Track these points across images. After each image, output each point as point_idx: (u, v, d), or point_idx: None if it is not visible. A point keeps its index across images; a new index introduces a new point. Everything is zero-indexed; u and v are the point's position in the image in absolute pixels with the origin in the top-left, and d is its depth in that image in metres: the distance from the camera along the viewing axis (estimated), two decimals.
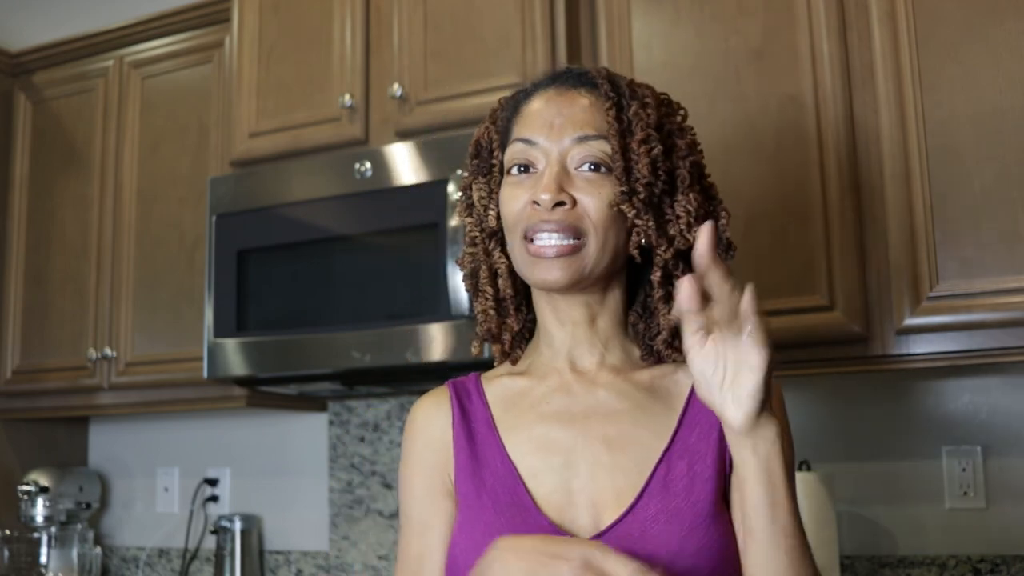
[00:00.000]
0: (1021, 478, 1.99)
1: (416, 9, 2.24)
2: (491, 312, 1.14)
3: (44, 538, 2.76)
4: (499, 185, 1.12)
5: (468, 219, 1.16)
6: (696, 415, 1.06)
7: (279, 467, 2.79)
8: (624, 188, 1.05)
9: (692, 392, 1.07)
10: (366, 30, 2.30)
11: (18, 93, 2.91)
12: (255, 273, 2.31)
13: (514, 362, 1.17)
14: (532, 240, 1.06)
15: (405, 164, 2.14)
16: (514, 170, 1.10)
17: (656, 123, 1.09)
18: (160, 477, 2.96)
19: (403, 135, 2.22)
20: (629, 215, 1.06)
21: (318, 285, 2.23)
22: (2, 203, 2.87)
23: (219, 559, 2.68)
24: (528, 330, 1.18)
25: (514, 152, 1.10)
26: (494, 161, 1.14)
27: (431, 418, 1.14)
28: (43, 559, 2.75)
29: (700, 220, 1.08)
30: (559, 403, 1.10)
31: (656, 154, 1.07)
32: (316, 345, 2.19)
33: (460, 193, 1.19)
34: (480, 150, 1.16)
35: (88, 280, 2.70)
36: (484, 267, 1.14)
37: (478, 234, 1.14)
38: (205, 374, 2.34)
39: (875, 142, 1.84)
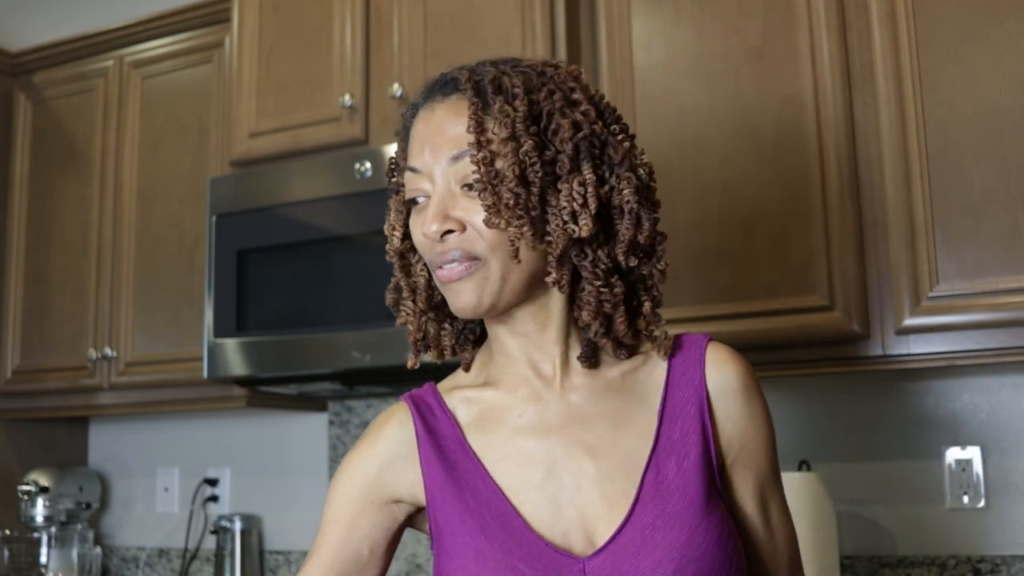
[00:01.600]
0: (1021, 478, 1.99)
1: (416, 9, 2.24)
2: (427, 317, 1.09)
3: (44, 538, 2.76)
4: (404, 205, 1.08)
5: (389, 231, 1.12)
6: (674, 408, 1.03)
7: (279, 467, 2.79)
8: (488, 203, 0.97)
9: (667, 384, 1.05)
10: (366, 30, 2.30)
11: (18, 93, 2.91)
12: (255, 273, 2.31)
13: (467, 368, 1.12)
14: (440, 269, 1.02)
15: None
16: (411, 200, 1.05)
17: (526, 113, 0.99)
18: (160, 477, 2.96)
19: None
20: (502, 228, 0.98)
21: (318, 285, 2.23)
22: (2, 203, 2.87)
23: (219, 559, 2.68)
24: (470, 331, 1.13)
25: (407, 182, 1.05)
26: (401, 182, 1.09)
27: (390, 431, 1.09)
28: (43, 559, 2.75)
29: (596, 199, 0.99)
30: (532, 414, 1.05)
31: (526, 151, 0.98)
32: (316, 345, 2.19)
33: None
34: (391, 168, 1.13)
35: (88, 280, 2.70)
36: (405, 282, 1.10)
37: (392, 252, 1.10)
38: (205, 374, 2.34)
39: (875, 142, 1.84)
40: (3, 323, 2.83)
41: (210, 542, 2.78)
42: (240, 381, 2.37)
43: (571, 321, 1.06)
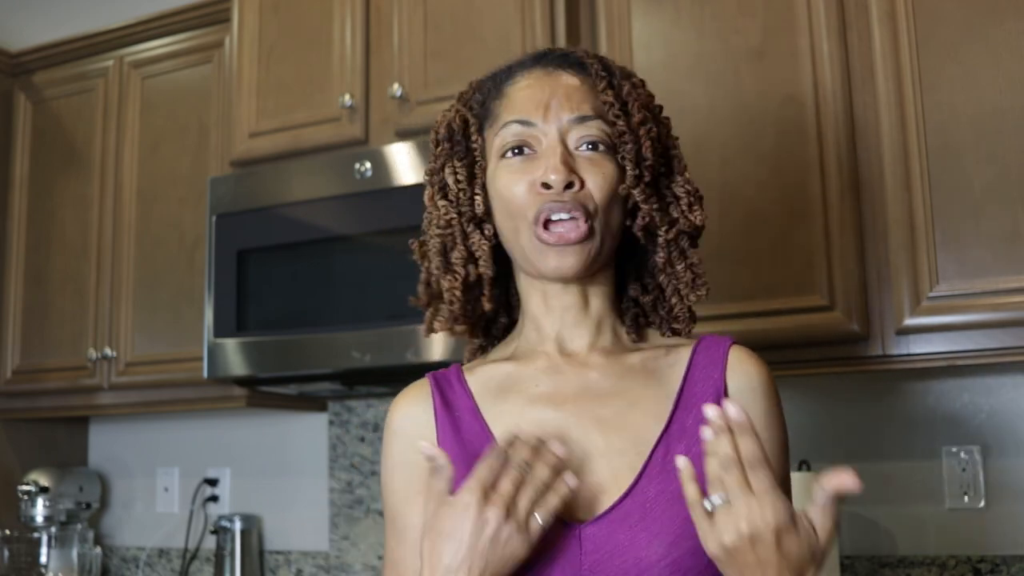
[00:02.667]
0: (1021, 478, 1.99)
1: (416, 9, 2.24)
2: (457, 294, 1.09)
3: (44, 538, 2.76)
4: (483, 170, 1.09)
5: (443, 202, 1.10)
6: (691, 398, 1.04)
7: (279, 467, 2.79)
8: (635, 172, 1.04)
9: (687, 375, 1.06)
10: (366, 30, 2.30)
11: (18, 93, 2.91)
12: (255, 273, 2.31)
13: (485, 350, 1.16)
14: (547, 226, 1.03)
15: (405, 164, 2.14)
16: (508, 153, 1.06)
17: (647, 103, 1.09)
18: (160, 477, 2.96)
19: (403, 135, 2.22)
20: (638, 199, 1.05)
21: (318, 285, 2.23)
22: (2, 203, 2.87)
23: (219, 559, 2.68)
24: (496, 313, 1.15)
25: (508, 134, 1.06)
26: (473, 144, 1.10)
27: (410, 415, 1.10)
28: (43, 559, 2.75)
29: (697, 201, 1.09)
30: (548, 384, 1.07)
31: (654, 135, 1.07)
32: (316, 345, 2.19)
33: (427, 175, 1.14)
34: (453, 133, 1.12)
35: (88, 280, 2.70)
36: (460, 249, 1.09)
37: (455, 216, 1.09)
38: (205, 374, 2.34)
39: (875, 142, 1.84)
40: (3, 323, 2.83)
41: (210, 542, 2.78)
42: (240, 381, 2.37)
43: (611, 307, 1.11)
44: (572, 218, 1.03)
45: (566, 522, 0.98)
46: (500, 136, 1.08)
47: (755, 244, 1.90)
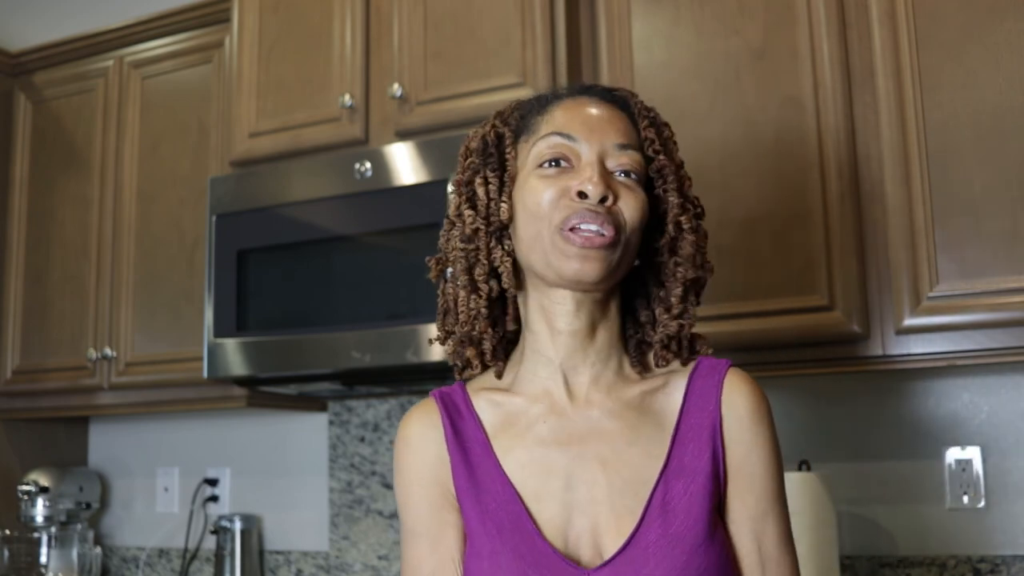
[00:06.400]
0: (1021, 478, 1.99)
1: (416, 9, 2.24)
2: (483, 311, 1.11)
3: (44, 538, 2.76)
4: (512, 179, 1.11)
5: (469, 212, 1.11)
6: (687, 432, 1.06)
7: (279, 467, 2.79)
8: (680, 200, 1.10)
9: (682, 409, 1.07)
10: (366, 30, 2.30)
11: (18, 93, 2.91)
12: (255, 273, 2.31)
13: (499, 375, 1.15)
14: (573, 230, 1.04)
15: (405, 164, 2.14)
16: (545, 164, 1.08)
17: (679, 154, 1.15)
18: (160, 477, 2.96)
19: (403, 135, 2.22)
20: (686, 227, 1.10)
21: (318, 285, 2.23)
22: (2, 203, 2.87)
23: (219, 559, 2.68)
24: (505, 344, 1.16)
25: (547, 145, 1.08)
26: (507, 156, 1.12)
27: (425, 436, 1.11)
28: (43, 559, 2.75)
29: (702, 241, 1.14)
30: (554, 424, 1.08)
31: (686, 186, 1.13)
32: (316, 345, 2.19)
33: (455, 187, 1.15)
34: (487, 145, 1.13)
35: (88, 280, 2.70)
36: (483, 263, 1.10)
37: (482, 227, 1.10)
38: (205, 374, 2.34)
39: (875, 142, 1.84)
40: (3, 323, 2.83)
41: (210, 542, 2.78)
42: (240, 381, 2.37)
43: (616, 336, 1.11)
44: (600, 227, 1.04)
45: (575, 566, 1.00)
46: (538, 147, 1.09)
47: (755, 244, 1.90)
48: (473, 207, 1.12)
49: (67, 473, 2.85)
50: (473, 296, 1.11)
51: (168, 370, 2.53)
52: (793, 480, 1.96)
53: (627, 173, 1.07)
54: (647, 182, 1.10)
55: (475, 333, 1.12)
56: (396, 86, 2.21)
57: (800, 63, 1.90)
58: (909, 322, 1.78)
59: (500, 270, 1.10)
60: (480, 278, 1.10)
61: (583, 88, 1.15)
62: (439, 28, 2.20)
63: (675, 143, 1.14)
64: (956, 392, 2.06)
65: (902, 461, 2.08)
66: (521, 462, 1.07)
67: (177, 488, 2.93)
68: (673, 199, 1.09)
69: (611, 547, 1.01)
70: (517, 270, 1.12)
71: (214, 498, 2.85)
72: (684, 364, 1.12)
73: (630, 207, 1.06)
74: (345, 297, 2.19)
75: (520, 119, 1.14)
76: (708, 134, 1.96)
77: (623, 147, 1.08)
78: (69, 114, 2.82)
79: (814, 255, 1.86)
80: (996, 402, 2.03)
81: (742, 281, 1.91)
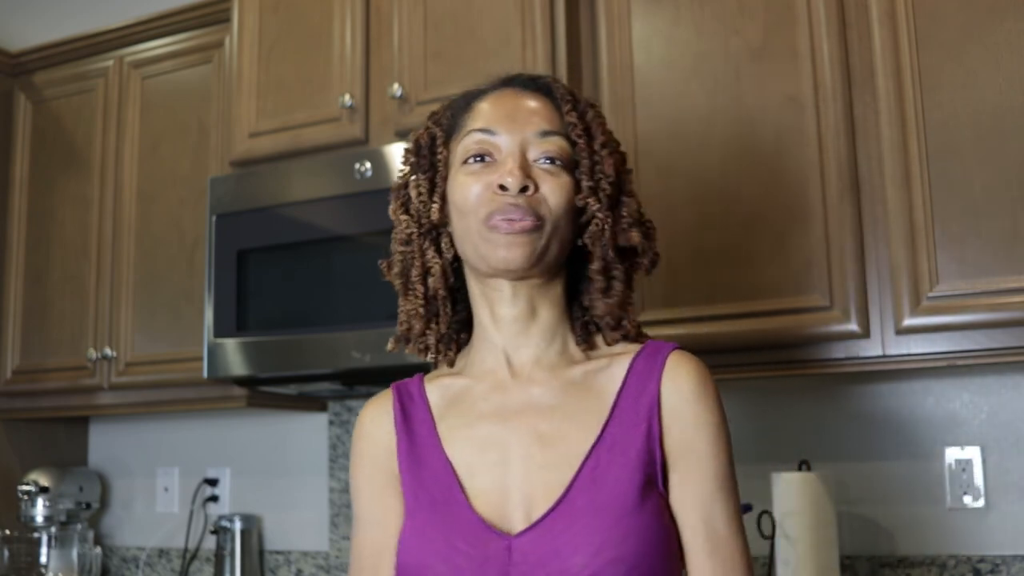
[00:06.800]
0: (1021, 478, 1.99)
1: (416, 9, 2.24)
2: (420, 311, 1.16)
3: (44, 538, 2.76)
4: (443, 179, 1.15)
5: (404, 216, 1.17)
6: (625, 409, 1.09)
7: (279, 467, 2.79)
8: (591, 183, 1.11)
9: (622, 387, 1.10)
10: (366, 30, 2.30)
11: (18, 93, 2.91)
12: (255, 273, 2.31)
13: (450, 364, 1.20)
14: (494, 222, 1.08)
15: None
16: (470, 160, 1.12)
17: (608, 131, 1.16)
18: (160, 477, 2.96)
19: (403, 135, 2.22)
20: (593, 209, 1.11)
21: (318, 285, 2.23)
22: (2, 203, 2.87)
23: (219, 559, 2.68)
24: (455, 331, 1.21)
25: (471, 141, 1.13)
26: (438, 157, 1.16)
27: (375, 421, 1.17)
28: (43, 559, 2.75)
29: (638, 225, 1.15)
30: (495, 401, 1.12)
31: (616, 157, 1.15)
32: (316, 345, 2.19)
33: (392, 192, 1.20)
34: (420, 148, 1.18)
35: (88, 280, 2.70)
36: (417, 265, 1.16)
37: (415, 230, 1.16)
38: (205, 374, 2.34)
39: (875, 142, 1.84)
40: (3, 323, 2.83)
41: (210, 542, 2.78)
42: (240, 381, 2.37)
43: (560, 317, 1.15)
44: (521, 217, 1.08)
45: (499, 533, 1.04)
46: (463, 144, 1.13)
47: (755, 244, 1.90)
48: (407, 211, 1.17)
49: (67, 473, 2.85)
50: (410, 296, 1.17)
51: (168, 370, 2.53)
52: (793, 480, 1.96)
53: (551, 160, 1.11)
54: (576, 164, 1.13)
55: (414, 332, 1.18)
56: (396, 86, 2.21)
57: (800, 63, 1.90)
58: (909, 322, 1.78)
59: (432, 271, 1.15)
60: (416, 279, 1.16)
61: (506, 80, 1.19)
62: (439, 28, 2.20)
63: (600, 122, 1.16)
64: (956, 392, 2.06)
65: (902, 461, 2.08)
66: (461, 437, 1.12)
67: (177, 488, 2.93)
68: (585, 182, 1.11)
69: (537, 515, 1.05)
70: (460, 264, 1.17)
71: (214, 498, 2.85)
72: (633, 343, 1.16)
73: (553, 193, 1.09)
74: (345, 297, 2.19)
75: (451, 118, 1.18)
76: (708, 134, 1.96)
77: (545, 134, 1.11)
78: (69, 114, 2.82)
79: (814, 255, 1.86)
80: (996, 402, 2.03)
81: (742, 281, 1.91)
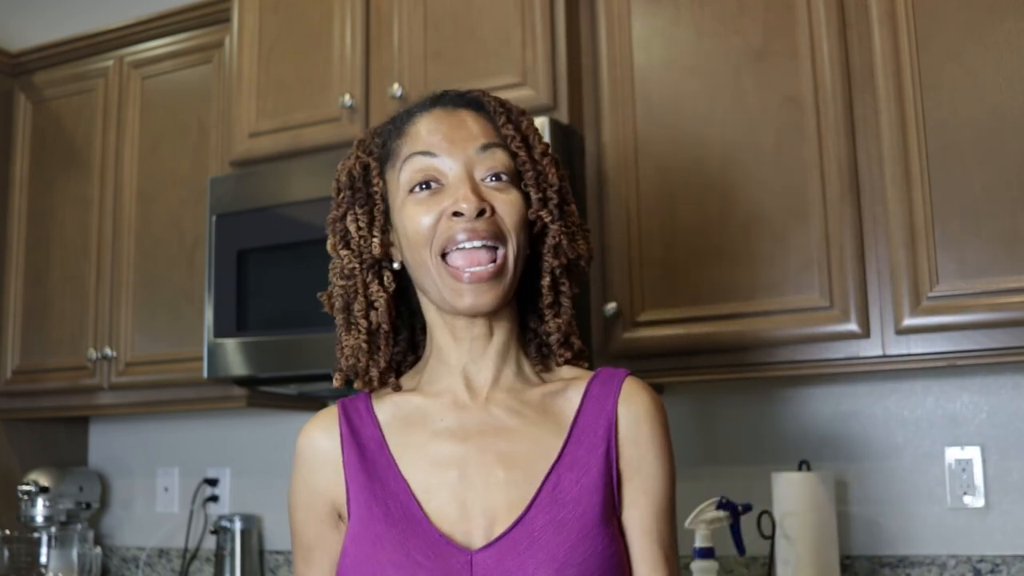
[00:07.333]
0: (1021, 478, 1.99)
1: (416, 9, 2.24)
2: (363, 346, 1.13)
3: (44, 538, 2.76)
4: (383, 213, 1.12)
5: (344, 251, 1.14)
6: (584, 430, 1.09)
7: (279, 467, 2.79)
8: (540, 195, 1.10)
9: (580, 408, 1.11)
10: (366, 30, 2.30)
11: (18, 93, 2.91)
12: (255, 273, 2.31)
13: (396, 388, 1.17)
14: (452, 255, 1.06)
15: None
16: (416, 189, 1.09)
17: (542, 138, 1.15)
18: (160, 477, 2.96)
19: None
20: (546, 220, 1.10)
21: (318, 285, 2.22)
22: (2, 203, 2.87)
23: (219, 559, 2.68)
24: (397, 362, 1.19)
25: (413, 169, 1.09)
26: (374, 188, 1.13)
27: (316, 441, 1.14)
28: (43, 559, 2.75)
29: (581, 233, 1.15)
30: (453, 420, 1.11)
31: (556, 165, 1.13)
32: (316, 345, 2.19)
33: (329, 224, 1.17)
34: (354, 180, 1.15)
35: (88, 280, 2.70)
36: (360, 300, 1.13)
37: (357, 265, 1.13)
38: (205, 374, 2.34)
39: (875, 142, 1.84)
40: (3, 323, 2.82)
41: (210, 542, 2.78)
42: (240, 381, 2.37)
43: (514, 336, 1.14)
44: (485, 246, 1.06)
45: (460, 547, 1.03)
46: (404, 171, 1.10)
47: (755, 244, 1.90)
48: (347, 245, 1.14)
49: (67, 473, 2.85)
50: (352, 331, 1.14)
51: (168, 370, 2.53)
52: (793, 480, 1.96)
53: (497, 176, 1.09)
54: (519, 175, 1.11)
55: (360, 367, 1.15)
56: (396, 86, 2.21)
57: (800, 63, 1.90)
58: (909, 322, 1.78)
59: (376, 304, 1.13)
60: (359, 313, 1.14)
61: (434, 99, 1.15)
62: (439, 28, 2.20)
63: (535, 131, 1.14)
64: (956, 392, 2.06)
65: (902, 461, 2.08)
66: (416, 456, 1.10)
67: (177, 488, 2.93)
68: (534, 194, 1.10)
69: (499, 531, 1.04)
70: (406, 290, 1.16)
71: (214, 498, 2.85)
72: (578, 366, 1.16)
73: (508, 212, 1.08)
74: None
75: (382, 146, 1.15)
76: (708, 134, 1.96)
77: (485, 147, 1.09)
78: (69, 114, 2.82)
79: (814, 255, 1.86)
80: (996, 402, 2.03)
81: (742, 281, 1.91)
